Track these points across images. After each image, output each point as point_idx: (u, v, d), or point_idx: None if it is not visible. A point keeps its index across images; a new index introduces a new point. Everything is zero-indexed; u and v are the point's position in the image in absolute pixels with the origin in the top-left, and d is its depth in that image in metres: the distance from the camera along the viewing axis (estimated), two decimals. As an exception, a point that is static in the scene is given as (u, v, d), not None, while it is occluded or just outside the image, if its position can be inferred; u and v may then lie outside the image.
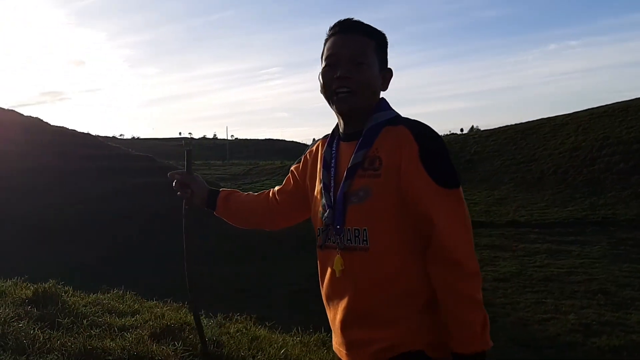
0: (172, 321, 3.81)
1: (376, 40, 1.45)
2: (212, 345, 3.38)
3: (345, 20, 1.45)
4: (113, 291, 5.86)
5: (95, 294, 5.56)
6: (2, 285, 4.75)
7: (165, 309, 4.67)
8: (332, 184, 1.44)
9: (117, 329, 3.87)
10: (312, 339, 4.78)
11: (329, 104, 1.46)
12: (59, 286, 5.53)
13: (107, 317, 4.21)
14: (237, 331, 4.40)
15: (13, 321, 3.55)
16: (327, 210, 1.43)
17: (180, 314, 4.44)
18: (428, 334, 1.35)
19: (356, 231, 1.37)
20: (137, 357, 3.04)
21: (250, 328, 4.90)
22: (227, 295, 13.06)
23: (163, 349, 3.16)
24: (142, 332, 3.60)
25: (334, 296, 1.45)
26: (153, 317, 4.10)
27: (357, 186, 1.38)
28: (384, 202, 1.35)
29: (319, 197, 1.50)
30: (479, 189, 31.15)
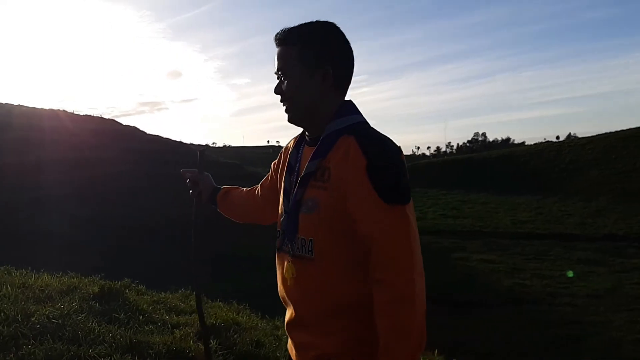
0: (220, 321, 3.86)
1: (298, 45, 1.39)
2: (252, 345, 3.39)
3: (279, 31, 1.42)
4: (180, 291, 6.06)
5: (165, 293, 5.77)
6: (76, 281, 5.02)
7: (223, 309, 4.73)
8: (294, 189, 1.43)
9: (170, 326, 3.97)
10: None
11: None
12: (132, 284, 5.83)
13: (164, 314, 4.33)
14: (284, 334, 4.38)
15: (75, 314, 3.74)
16: (284, 216, 1.45)
17: (232, 314, 4.49)
18: (363, 347, 1.33)
19: (304, 241, 1.37)
20: (175, 353, 3.11)
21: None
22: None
23: (200, 346, 3.19)
24: (190, 330, 3.66)
25: (286, 299, 1.47)
26: (205, 317, 4.16)
27: (308, 196, 1.37)
28: (329, 215, 1.33)
29: (281, 199, 1.51)
30: (573, 199, 29.53)
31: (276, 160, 1.65)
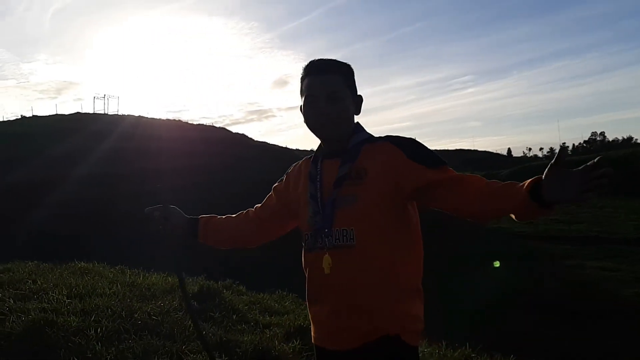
0: (307, 322, 3.90)
1: (345, 75, 1.66)
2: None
3: (317, 62, 1.67)
4: (277, 292, 6.23)
5: (262, 294, 5.95)
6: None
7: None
8: (319, 194, 1.63)
9: (262, 326, 4.10)
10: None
11: (314, 132, 1.68)
12: (234, 285, 6.09)
13: (257, 314, 4.48)
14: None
15: (174, 312, 3.98)
16: (317, 216, 1.62)
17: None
18: (404, 321, 1.52)
19: (344, 231, 1.55)
20: (261, 352, 3.19)
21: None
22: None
23: (283, 346, 3.26)
24: (279, 330, 3.75)
25: (322, 291, 1.61)
26: (294, 318, 4.25)
27: (345, 193, 1.58)
28: (368, 205, 1.54)
29: (305, 206, 1.68)
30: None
31: (279, 183, 1.84)
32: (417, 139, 1.60)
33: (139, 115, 40.70)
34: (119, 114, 43.13)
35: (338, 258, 1.55)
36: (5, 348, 3.15)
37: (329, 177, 1.63)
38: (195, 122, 45.40)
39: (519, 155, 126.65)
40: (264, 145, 38.66)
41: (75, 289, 4.42)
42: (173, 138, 33.12)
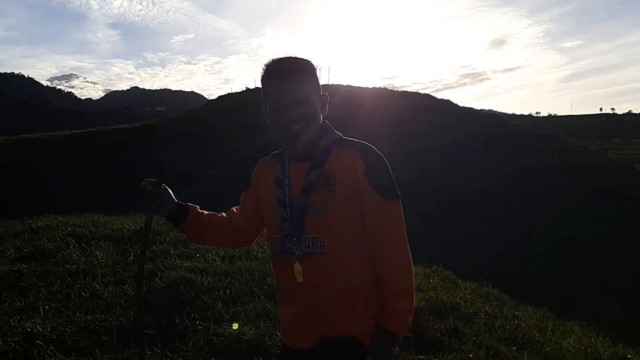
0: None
1: (308, 76, 1.63)
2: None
3: (279, 65, 1.61)
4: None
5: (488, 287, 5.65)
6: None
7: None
8: (288, 200, 1.63)
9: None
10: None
11: (281, 138, 1.65)
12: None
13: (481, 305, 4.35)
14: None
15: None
16: (285, 222, 1.63)
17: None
18: (363, 324, 1.59)
19: (314, 239, 1.58)
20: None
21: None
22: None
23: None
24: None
25: (290, 294, 1.67)
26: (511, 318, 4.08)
27: (314, 200, 1.58)
28: (338, 212, 1.57)
29: (273, 210, 1.68)
30: None
31: (248, 187, 1.81)
32: (383, 158, 1.59)
33: (348, 85, 42.19)
34: (329, 84, 45.29)
35: (309, 265, 1.59)
36: (152, 302, 3.62)
37: (298, 182, 1.63)
38: (403, 89, 45.50)
39: None
40: (470, 110, 37.27)
41: (231, 251, 4.82)
42: (377, 106, 33.73)
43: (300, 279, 1.59)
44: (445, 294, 4.27)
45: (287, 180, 1.66)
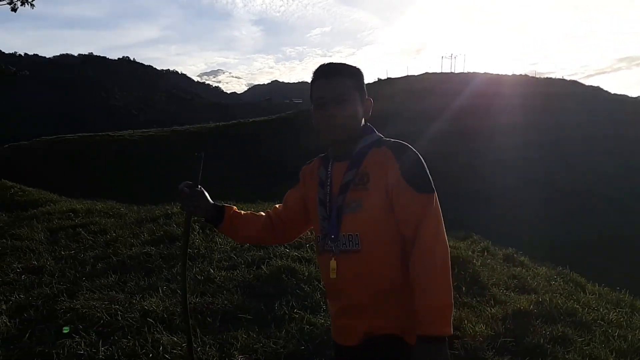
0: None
1: (354, 78, 1.68)
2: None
3: (326, 66, 1.69)
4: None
5: (619, 293, 5.01)
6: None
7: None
8: (328, 199, 1.69)
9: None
10: None
11: (321, 135, 1.69)
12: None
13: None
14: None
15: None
16: (325, 221, 1.68)
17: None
18: (404, 322, 1.59)
19: (350, 237, 1.62)
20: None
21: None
22: None
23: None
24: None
25: (331, 292, 1.72)
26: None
27: (350, 199, 1.63)
28: (372, 211, 1.60)
29: (316, 210, 1.74)
30: None
31: (296, 185, 1.87)
32: (417, 154, 1.61)
33: (485, 72, 40.52)
34: (465, 72, 43.75)
35: (344, 262, 1.63)
36: (257, 288, 3.80)
37: (338, 182, 1.68)
38: (547, 76, 42.65)
39: None
40: (622, 98, 33.97)
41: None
42: (517, 94, 32.02)
43: (333, 275, 1.64)
44: (562, 298, 3.94)
45: (329, 180, 1.72)
